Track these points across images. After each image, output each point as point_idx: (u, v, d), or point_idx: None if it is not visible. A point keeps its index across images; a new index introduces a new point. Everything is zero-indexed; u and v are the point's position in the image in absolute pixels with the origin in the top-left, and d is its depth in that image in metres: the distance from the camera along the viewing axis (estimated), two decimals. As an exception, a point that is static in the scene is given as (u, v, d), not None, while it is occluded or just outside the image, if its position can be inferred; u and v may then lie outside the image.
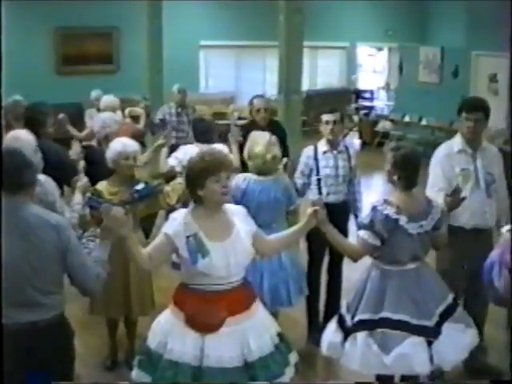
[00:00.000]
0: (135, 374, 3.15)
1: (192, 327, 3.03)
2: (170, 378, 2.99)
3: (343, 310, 3.67)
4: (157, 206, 4.38)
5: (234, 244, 3.08)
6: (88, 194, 4.20)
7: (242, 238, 3.11)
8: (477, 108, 4.25)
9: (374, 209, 3.47)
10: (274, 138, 4.40)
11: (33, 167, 2.89)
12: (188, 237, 3.02)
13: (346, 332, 3.56)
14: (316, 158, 4.78)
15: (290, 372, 3.20)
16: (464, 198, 3.98)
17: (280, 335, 3.25)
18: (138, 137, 6.99)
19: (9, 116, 6.40)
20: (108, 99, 7.26)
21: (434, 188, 4.18)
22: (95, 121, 5.93)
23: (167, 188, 4.34)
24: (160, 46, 10.25)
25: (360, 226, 3.57)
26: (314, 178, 4.78)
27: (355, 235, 4.89)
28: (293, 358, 3.27)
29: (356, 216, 4.96)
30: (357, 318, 3.51)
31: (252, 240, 3.18)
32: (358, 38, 15.97)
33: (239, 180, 4.31)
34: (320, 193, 4.75)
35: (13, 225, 2.75)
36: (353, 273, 5.21)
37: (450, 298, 3.57)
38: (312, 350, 4.78)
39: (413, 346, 3.38)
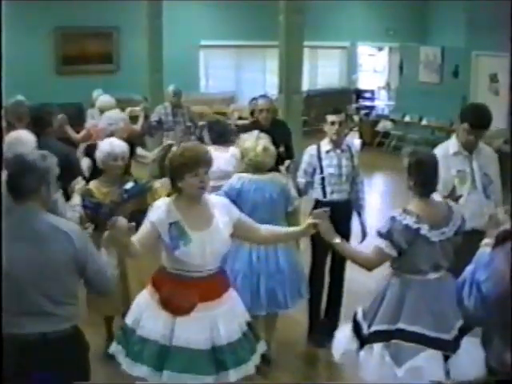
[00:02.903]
0: (113, 348, 3.33)
1: (165, 309, 3.18)
2: (137, 352, 3.17)
3: (359, 316, 3.53)
4: (145, 202, 4.41)
5: (212, 234, 3.21)
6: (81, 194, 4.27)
7: (220, 229, 3.24)
8: (484, 126, 4.19)
9: (392, 219, 3.33)
10: (262, 134, 4.48)
11: (36, 173, 2.75)
12: (170, 224, 3.17)
13: (362, 341, 3.45)
14: (319, 157, 4.79)
15: (256, 359, 3.36)
16: (460, 196, 3.97)
17: (249, 324, 3.40)
18: (135, 137, 7.00)
19: (11, 116, 6.41)
20: (104, 99, 7.28)
21: None
22: (101, 119, 5.95)
23: (157, 184, 4.39)
24: (160, 45, 10.26)
25: (377, 235, 3.39)
26: (317, 177, 4.79)
27: (357, 234, 4.93)
28: (260, 347, 3.44)
29: (359, 214, 4.99)
30: (373, 329, 3.40)
31: (234, 228, 3.31)
32: (359, 38, 15.97)
33: (234, 180, 4.33)
34: (324, 191, 4.77)
35: (24, 234, 2.71)
36: (354, 274, 5.23)
37: None
38: (312, 351, 4.78)
39: (427, 359, 3.26)
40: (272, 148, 4.41)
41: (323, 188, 4.77)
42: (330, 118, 4.77)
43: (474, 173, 4.23)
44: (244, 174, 4.36)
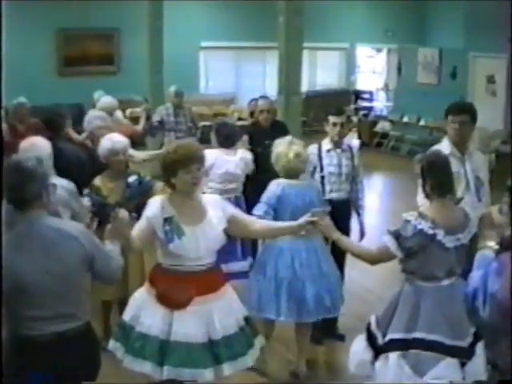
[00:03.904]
0: (111, 344, 3.39)
1: (162, 303, 3.27)
2: (139, 348, 3.23)
3: (373, 326, 3.47)
4: (147, 199, 4.52)
5: (206, 229, 3.29)
6: (87, 190, 4.39)
7: (213, 224, 3.33)
8: (462, 110, 4.30)
9: (406, 222, 3.26)
10: (295, 139, 4.43)
11: (37, 179, 2.72)
12: (165, 219, 3.26)
13: (377, 350, 3.40)
14: (320, 156, 4.86)
15: (253, 354, 3.42)
16: (461, 199, 4.02)
17: (247, 319, 3.47)
18: (136, 138, 7.06)
19: (12, 118, 6.47)
20: (106, 100, 7.31)
21: None
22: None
23: (159, 183, 4.49)
24: (160, 47, 10.30)
25: (387, 232, 3.35)
26: (317, 176, 4.85)
27: (356, 233, 4.99)
28: (258, 342, 3.49)
29: (359, 213, 5.05)
30: (388, 337, 3.34)
31: (227, 224, 3.40)
32: (358, 39, 16.02)
33: (273, 186, 4.26)
34: (323, 190, 4.83)
35: (33, 242, 2.70)
36: (353, 274, 5.29)
37: None
38: (311, 351, 4.81)
39: (447, 368, 3.22)
40: (305, 153, 4.38)
41: (323, 186, 4.83)
42: (332, 119, 4.84)
43: (468, 174, 4.28)
44: (281, 180, 4.28)
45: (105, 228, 3.80)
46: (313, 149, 4.90)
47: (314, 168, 4.86)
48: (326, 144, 4.90)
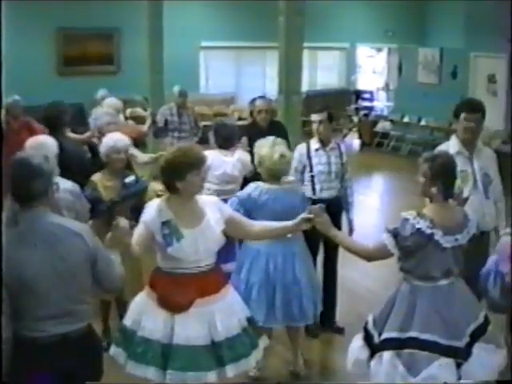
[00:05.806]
0: (112, 350, 3.35)
1: (163, 307, 3.24)
2: (141, 353, 3.21)
3: (370, 325, 3.48)
4: (142, 200, 4.52)
5: (204, 231, 3.27)
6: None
7: (211, 226, 3.31)
8: (477, 109, 4.29)
9: (405, 220, 3.26)
10: (278, 139, 4.37)
11: (43, 176, 2.73)
12: (163, 223, 3.22)
13: (373, 349, 3.40)
14: (309, 156, 4.90)
15: (257, 354, 3.41)
16: (467, 199, 4.02)
17: (249, 320, 3.45)
18: (141, 139, 7.08)
19: (7, 115, 6.53)
20: (111, 101, 7.35)
21: None
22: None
23: (153, 184, 4.49)
24: (161, 46, 10.31)
25: (385, 230, 3.34)
26: (307, 175, 4.88)
27: (347, 231, 4.98)
28: (262, 342, 3.48)
29: (347, 211, 5.05)
30: (383, 336, 3.35)
31: (225, 226, 3.37)
32: (358, 39, 16.04)
33: (251, 188, 4.22)
34: (313, 189, 4.87)
35: (38, 238, 2.70)
36: (350, 272, 5.31)
37: (482, 316, 3.36)
38: (309, 349, 4.81)
39: (441, 367, 3.21)
40: (289, 154, 4.34)
41: (313, 186, 4.87)
42: (312, 116, 4.94)
43: (475, 173, 4.27)
44: (261, 183, 4.23)
45: (97, 223, 3.88)
46: (301, 148, 4.94)
47: (304, 167, 4.89)
48: (314, 143, 4.93)
